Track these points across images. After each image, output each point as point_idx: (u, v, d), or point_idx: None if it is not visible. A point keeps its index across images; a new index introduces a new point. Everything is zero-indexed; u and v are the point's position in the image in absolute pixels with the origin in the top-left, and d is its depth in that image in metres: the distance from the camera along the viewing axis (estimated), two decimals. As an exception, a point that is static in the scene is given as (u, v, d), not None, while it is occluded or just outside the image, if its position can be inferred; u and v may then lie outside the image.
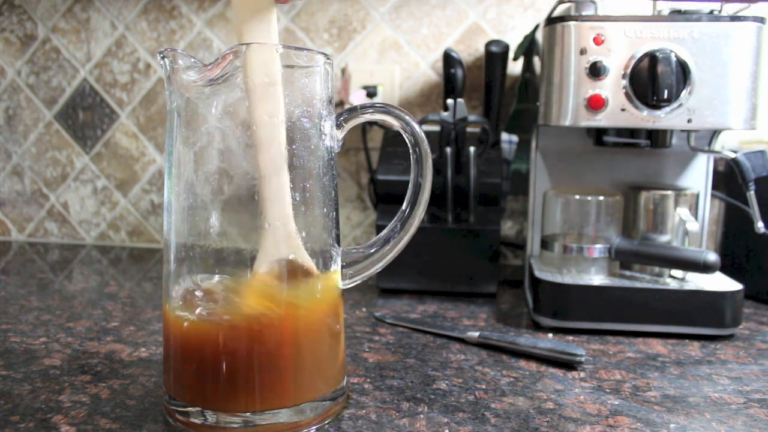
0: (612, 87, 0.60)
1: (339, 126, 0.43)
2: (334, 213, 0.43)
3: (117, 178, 1.03)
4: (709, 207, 0.71)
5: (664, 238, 0.66)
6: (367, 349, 0.55)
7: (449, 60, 0.76)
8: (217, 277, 0.40)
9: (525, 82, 0.83)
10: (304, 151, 0.40)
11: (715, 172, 0.72)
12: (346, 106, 0.48)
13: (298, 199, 0.40)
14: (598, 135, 0.66)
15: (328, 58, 0.41)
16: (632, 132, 0.64)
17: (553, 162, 0.73)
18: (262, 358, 0.39)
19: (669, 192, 0.66)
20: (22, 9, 1.01)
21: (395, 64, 0.93)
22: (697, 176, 0.72)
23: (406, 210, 0.44)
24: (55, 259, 0.93)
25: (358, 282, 0.44)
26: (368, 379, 0.48)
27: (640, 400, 0.46)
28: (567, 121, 0.61)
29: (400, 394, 0.46)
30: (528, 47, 0.80)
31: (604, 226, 0.65)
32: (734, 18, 0.58)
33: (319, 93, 0.41)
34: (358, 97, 0.91)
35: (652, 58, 0.58)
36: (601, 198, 0.65)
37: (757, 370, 0.52)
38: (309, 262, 0.40)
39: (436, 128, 0.73)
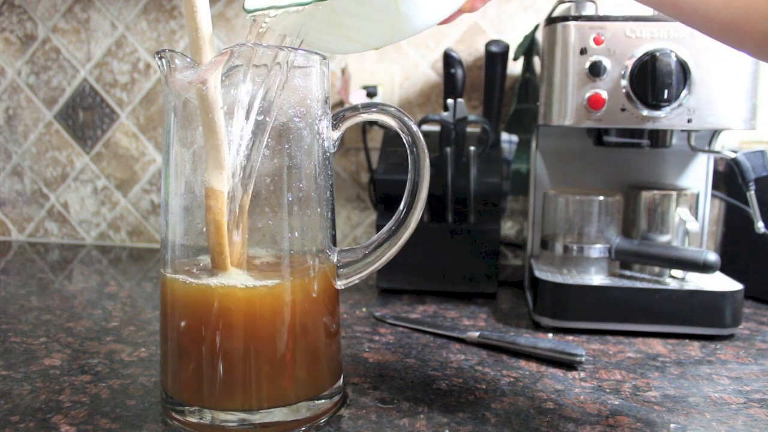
0: (612, 87, 0.60)
1: (335, 126, 0.43)
2: (330, 213, 0.43)
3: (117, 178, 1.03)
4: (709, 207, 0.71)
5: (664, 238, 0.66)
6: (367, 349, 0.55)
7: (449, 60, 0.76)
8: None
9: (525, 82, 0.83)
10: (297, 151, 0.40)
11: (715, 172, 0.72)
12: (345, 106, 0.48)
13: (291, 198, 0.40)
14: (598, 135, 0.66)
15: (324, 58, 0.41)
16: (632, 132, 0.64)
17: (553, 162, 0.73)
18: (258, 356, 0.39)
19: (669, 192, 0.66)
20: (22, 9, 1.01)
21: (395, 64, 0.93)
22: (697, 176, 0.72)
23: (403, 210, 0.44)
24: (55, 259, 0.93)
25: (355, 282, 0.44)
26: (368, 379, 0.48)
27: (640, 400, 0.46)
28: (567, 121, 0.61)
29: (400, 394, 0.46)
30: (528, 47, 0.80)
31: (604, 226, 0.65)
32: (734, 17, 0.58)
33: (314, 93, 0.41)
34: (358, 97, 0.91)
35: (652, 58, 0.58)
36: (601, 198, 0.65)
37: (757, 370, 0.52)
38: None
39: (436, 128, 0.73)
